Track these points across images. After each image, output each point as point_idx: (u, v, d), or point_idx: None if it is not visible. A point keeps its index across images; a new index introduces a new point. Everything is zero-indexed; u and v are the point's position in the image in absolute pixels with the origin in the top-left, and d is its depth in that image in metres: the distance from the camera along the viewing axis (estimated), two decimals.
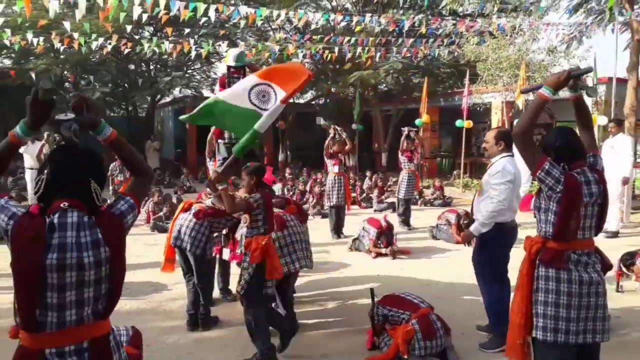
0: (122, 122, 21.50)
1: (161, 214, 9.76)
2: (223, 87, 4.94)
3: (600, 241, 2.79)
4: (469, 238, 4.36)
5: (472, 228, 4.20)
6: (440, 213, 8.80)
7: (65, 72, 17.13)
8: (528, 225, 6.88)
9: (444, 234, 8.26)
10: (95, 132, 1.97)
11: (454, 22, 14.14)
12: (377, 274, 6.35)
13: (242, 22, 12.29)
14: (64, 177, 1.86)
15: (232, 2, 18.11)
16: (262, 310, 3.88)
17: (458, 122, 14.44)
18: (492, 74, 13.50)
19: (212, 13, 10.21)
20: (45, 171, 1.87)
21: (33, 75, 15.12)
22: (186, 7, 9.68)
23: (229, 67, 4.98)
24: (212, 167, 7.32)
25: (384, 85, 19.19)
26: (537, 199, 2.74)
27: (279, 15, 11.40)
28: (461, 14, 17.19)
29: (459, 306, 5.02)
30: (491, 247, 4.16)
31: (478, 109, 15.49)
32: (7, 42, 12.11)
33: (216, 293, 5.22)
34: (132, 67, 19.69)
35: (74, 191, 1.86)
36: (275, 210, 4.55)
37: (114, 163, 10.27)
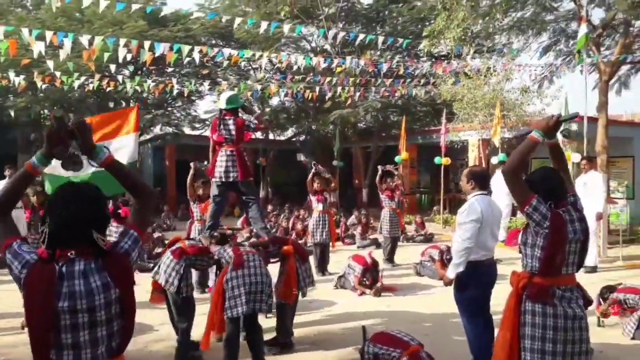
0: None
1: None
2: (214, 130, 5.01)
3: (579, 276, 2.88)
4: (449, 282, 4.22)
5: (447, 271, 4.19)
6: (423, 249, 8.87)
7: (45, 110, 17.03)
8: (516, 261, 6.99)
9: (428, 270, 8.30)
10: (92, 156, 2.00)
11: (431, 63, 14.64)
12: (364, 311, 6.34)
13: (225, 62, 12.48)
14: (66, 231, 1.89)
15: (213, 42, 18.45)
16: None
17: (437, 159, 14.76)
18: (468, 112, 13.93)
19: (196, 55, 10.39)
20: (47, 223, 1.90)
21: (12, 113, 15.01)
22: (171, 49, 9.84)
23: (221, 110, 5.09)
24: (197, 209, 7.35)
25: (364, 123, 19.58)
26: (524, 234, 2.85)
27: (261, 57, 11.66)
28: (436, 55, 17.82)
29: (447, 343, 5.05)
30: (468, 286, 4.10)
31: (455, 146, 15.89)
32: None
33: None
34: (112, 104, 19.68)
35: (78, 241, 1.89)
36: (243, 249, 4.47)
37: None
